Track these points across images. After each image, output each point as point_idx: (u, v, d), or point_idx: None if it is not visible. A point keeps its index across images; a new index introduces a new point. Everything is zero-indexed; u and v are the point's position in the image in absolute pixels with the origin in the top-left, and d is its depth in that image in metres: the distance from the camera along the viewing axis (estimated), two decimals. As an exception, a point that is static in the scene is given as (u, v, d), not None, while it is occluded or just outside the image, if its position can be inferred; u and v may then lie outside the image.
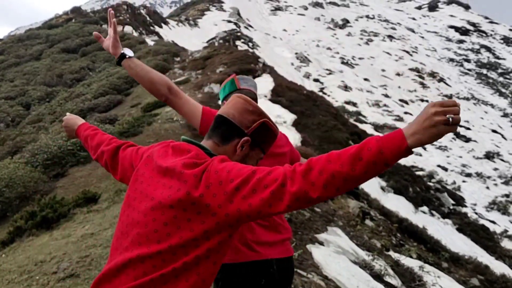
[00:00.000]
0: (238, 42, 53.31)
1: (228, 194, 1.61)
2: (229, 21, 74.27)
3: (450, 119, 1.40)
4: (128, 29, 52.63)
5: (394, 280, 6.22)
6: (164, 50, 37.59)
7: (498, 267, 14.35)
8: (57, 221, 7.68)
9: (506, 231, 31.31)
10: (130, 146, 2.32)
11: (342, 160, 1.50)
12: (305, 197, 1.53)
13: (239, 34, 61.43)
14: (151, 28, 60.94)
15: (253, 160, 1.91)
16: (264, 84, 26.21)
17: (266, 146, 1.92)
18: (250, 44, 57.50)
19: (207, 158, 1.76)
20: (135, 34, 51.60)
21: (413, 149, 1.47)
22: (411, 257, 8.01)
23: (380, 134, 1.59)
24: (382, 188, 19.96)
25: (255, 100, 2.57)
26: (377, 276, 5.91)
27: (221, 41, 49.66)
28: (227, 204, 1.61)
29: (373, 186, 19.02)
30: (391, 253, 7.77)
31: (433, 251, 10.96)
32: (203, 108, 2.54)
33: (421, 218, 18.22)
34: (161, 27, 64.26)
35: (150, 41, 46.76)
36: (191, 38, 60.89)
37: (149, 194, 1.76)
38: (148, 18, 64.19)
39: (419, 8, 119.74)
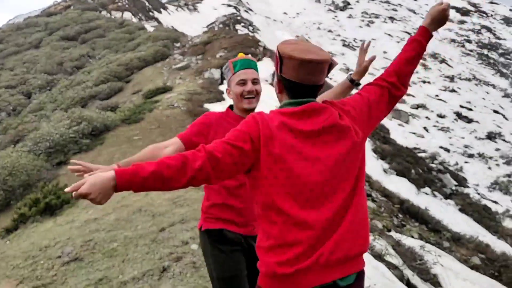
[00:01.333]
0: (238, 26, 52.95)
1: None
2: (229, 5, 73.72)
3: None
4: (127, 15, 52.31)
5: (395, 260, 6.29)
6: (163, 36, 37.40)
7: (500, 246, 14.43)
8: (61, 207, 7.75)
9: (508, 210, 31.34)
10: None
11: None
12: None
13: (239, 18, 60.99)
14: (150, 13, 60.57)
15: None
16: (265, 68, 26.12)
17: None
18: (250, 28, 57.10)
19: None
20: (134, 20, 51.29)
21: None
22: (412, 237, 8.07)
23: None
24: (385, 170, 20.00)
25: None
26: (378, 256, 5.98)
27: (221, 25, 49.33)
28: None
29: (375, 168, 19.07)
30: (392, 233, 7.84)
31: (434, 231, 11.03)
32: (180, 137, 2.83)
33: (424, 199, 18.27)
34: (160, 12, 63.85)
35: (149, 27, 46.50)
36: (191, 23, 60.55)
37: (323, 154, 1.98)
38: (147, 4, 63.75)
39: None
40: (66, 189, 1.76)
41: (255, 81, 2.80)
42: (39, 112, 26.31)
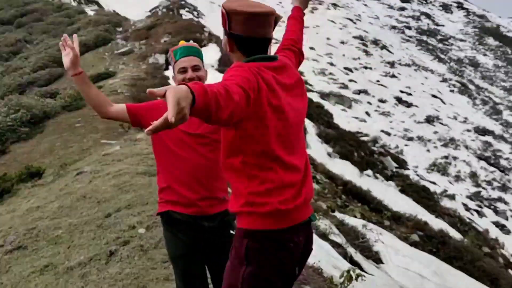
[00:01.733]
0: (182, 11, 52.13)
1: None
2: (172, -10, 72.48)
3: None
4: (66, -2, 50.39)
5: (338, 238, 6.52)
6: (105, 20, 36.29)
7: (438, 224, 15.18)
8: (1, 196, 7.51)
9: (445, 191, 32.86)
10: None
11: None
12: None
13: (183, 2, 60.02)
14: (91, -3, 58.61)
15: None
16: (210, 54, 25.95)
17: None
18: (195, 12, 56.40)
19: None
20: (74, 3, 49.45)
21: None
22: (355, 216, 8.37)
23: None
24: (329, 154, 20.48)
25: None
26: (323, 235, 6.18)
27: (164, 10, 48.41)
28: None
29: (320, 152, 19.49)
30: (336, 213, 8.10)
31: (376, 210, 11.46)
32: (127, 106, 2.81)
33: (366, 181, 18.89)
34: (101, -4, 61.90)
35: (89, 11, 44.97)
36: (133, 7, 59.07)
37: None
38: (87, -13, 61.63)
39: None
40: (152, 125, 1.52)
41: (196, 68, 2.81)
42: (-27, 99, 25.09)
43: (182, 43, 2.91)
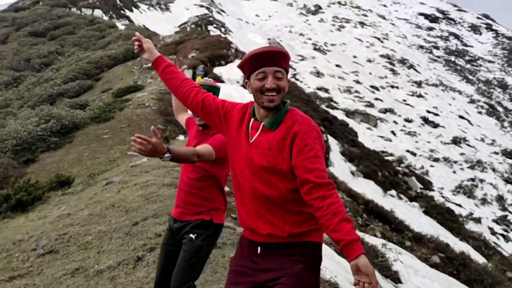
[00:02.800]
0: (210, 27, 52.99)
1: None
2: (201, 6, 73.57)
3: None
4: (98, 12, 51.63)
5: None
6: (135, 34, 37.07)
7: (460, 246, 14.99)
8: (32, 203, 7.79)
9: (471, 213, 32.32)
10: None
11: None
12: None
13: (211, 19, 60.99)
14: (122, 12, 59.94)
15: (254, 80, 2.35)
16: (237, 70, 26.26)
17: (250, 66, 2.36)
18: (223, 29, 57.18)
19: None
20: (105, 18, 50.70)
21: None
22: (375, 236, 8.38)
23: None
24: (352, 173, 20.44)
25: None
26: (341, 253, 6.23)
27: (193, 26, 49.27)
28: None
29: (343, 170, 19.49)
30: (356, 232, 8.13)
31: (397, 230, 11.41)
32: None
33: (390, 201, 18.79)
34: (131, 11, 63.25)
35: (120, 25, 46.04)
36: (163, 23, 60.22)
37: None
38: (118, 2, 63.07)
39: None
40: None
41: None
42: (5, 109, 25.83)
43: (199, 80, 3.18)
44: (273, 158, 2.28)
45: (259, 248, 2.37)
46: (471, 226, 27.28)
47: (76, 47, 37.65)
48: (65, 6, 52.38)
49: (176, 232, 3.15)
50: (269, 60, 2.30)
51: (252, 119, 2.39)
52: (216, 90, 3.20)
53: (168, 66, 2.67)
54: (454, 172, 42.16)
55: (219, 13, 73.39)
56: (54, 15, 47.01)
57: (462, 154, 45.93)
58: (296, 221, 2.32)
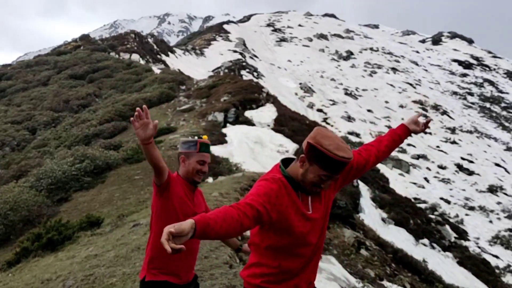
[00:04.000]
0: (243, 72, 54.04)
1: None
2: (235, 51, 75.35)
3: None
4: (135, 57, 53.47)
5: (385, 307, 6.40)
6: (170, 78, 38.19)
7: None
8: (62, 243, 7.92)
9: (509, 265, 31.04)
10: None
11: None
12: None
13: (244, 63, 62.25)
14: (158, 56, 61.88)
15: (314, 173, 2.39)
16: (267, 114, 26.60)
17: (322, 164, 2.37)
18: (255, 73, 58.23)
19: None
20: (142, 62, 52.40)
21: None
22: (404, 286, 8.15)
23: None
24: (383, 220, 20.06)
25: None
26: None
27: (226, 70, 50.39)
28: None
29: (373, 217, 19.15)
30: (384, 282, 7.93)
31: (427, 282, 11.05)
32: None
33: (422, 251, 18.28)
34: (167, 55, 65.23)
35: (156, 69, 47.47)
36: (197, 67, 61.74)
37: None
38: (155, 47, 65.23)
39: (423, 41, 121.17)
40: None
41: (208, 163, 3.40)
42: (42, 148, 26.60)
43: (206, 138, 3.40)
44: None
45: None
46: (508, 279, 26.14)
47: (113, 89, 38.86)
48: (104, 50, 54.53)
49: None
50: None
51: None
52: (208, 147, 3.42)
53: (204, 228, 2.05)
54: (491, 221, 40.82)
55: (252, 58, 74.90)
56: (94, 59, 48.90)
57: (498, 203, 44.56)
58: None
